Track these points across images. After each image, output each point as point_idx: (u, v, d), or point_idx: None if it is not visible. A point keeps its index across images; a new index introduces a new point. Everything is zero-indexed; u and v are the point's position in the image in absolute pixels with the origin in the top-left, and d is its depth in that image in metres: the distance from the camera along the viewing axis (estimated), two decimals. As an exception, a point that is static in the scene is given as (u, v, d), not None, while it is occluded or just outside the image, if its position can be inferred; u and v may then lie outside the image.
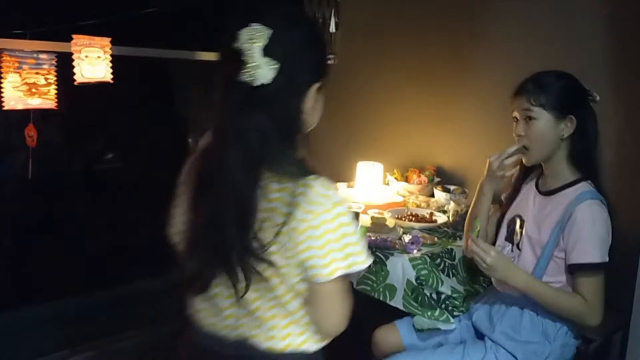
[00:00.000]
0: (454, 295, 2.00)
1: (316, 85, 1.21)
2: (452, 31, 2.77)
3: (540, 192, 1.84)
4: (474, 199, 1.97)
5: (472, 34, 2.70)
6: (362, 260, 1.17)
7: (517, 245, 1.84)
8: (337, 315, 1.22)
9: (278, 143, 1.14)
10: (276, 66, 1.11)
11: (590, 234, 1.65)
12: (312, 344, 1.25)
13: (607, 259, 1.66)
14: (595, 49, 2.26)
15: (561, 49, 2.35)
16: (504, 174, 1.86)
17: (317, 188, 1.13)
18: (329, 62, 1.30)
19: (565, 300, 1.68)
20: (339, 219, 1.13)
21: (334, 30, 3.22)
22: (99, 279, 2.83)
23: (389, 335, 2.00)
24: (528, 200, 1.87)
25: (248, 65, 1.10)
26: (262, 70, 1.10)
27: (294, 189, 1.12)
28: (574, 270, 1.68)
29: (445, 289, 2.00)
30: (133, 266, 2.85)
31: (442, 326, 1.91)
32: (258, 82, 1.11)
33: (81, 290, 2.73)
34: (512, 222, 1.88)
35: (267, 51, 1.10)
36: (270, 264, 1.15)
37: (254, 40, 1.10)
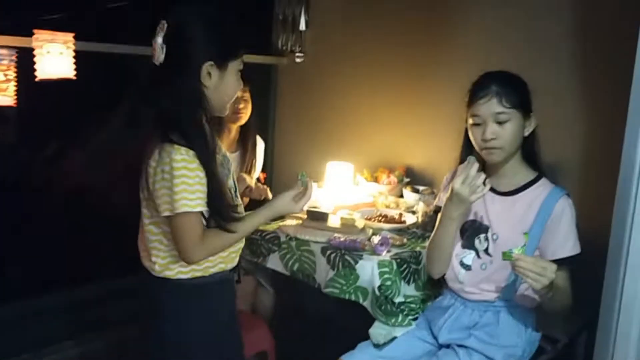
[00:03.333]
0: (408, 300, 1.99)
1: (208, 63, 1.49)
2: (422, 31, 2.78)
3: (499, 193, 1.83)
4: (438, 224, 1.83)
5: (441, 35, 2.71)
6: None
7: (486, 251, 1.82)
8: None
9: (177, 121, 1.48)
10: (164, 48, 1.48)
11: (572, 227, 1.73)
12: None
13: None
14: (563, 52, 2.29)
15: (529, 49, 2.37)
16: (480, 196, 1.69)
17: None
18: (232, 43, 1.56)
19: (564, 296, 1.70)
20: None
21: (303, 29, 3.20)
22: (57, 280, 2.76)
23: None
24: (482, 203, 1.82)
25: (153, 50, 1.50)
26: (157, 53, 1.48)
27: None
28: (561, 263, 1.68)
29: (399, 299, 1.97)
30: (93, 267, 2.79)
31: (399, 332, 1.90)
32: (157, 62, 1.49)
33: (39, 291, 2.65)
34: (464, 229, 1.86)
35: (164, 39, 1.48)
36: None
37: (157, 32, 1.49)
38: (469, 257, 1.85)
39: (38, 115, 2.59)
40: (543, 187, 1.78)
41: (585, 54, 2.22)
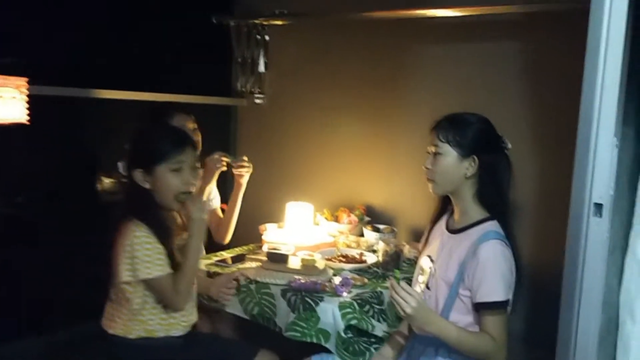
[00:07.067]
0: (386, 337, 1.99)
1: (137, 170, 1.81)
2: (380, 71, 2.84)
3: (449, 231, 1.86)
4: None
5: (400, 75, 2.78)
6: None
7: (427, 284, 1.83)
8: None
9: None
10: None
11: (494, 272, 1.68)
12: None
13: (510, 297, 1.70)
14: (515, 94, 2.36)
15: (483, 91, 2.45)
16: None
17: None
18: (153, 151, 1.82)
19: (476, 342, 1.67)
20: None
21: (263, 70, 3.23)
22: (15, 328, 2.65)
23: None
24: (438, 239, 1.87)
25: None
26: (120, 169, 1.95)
27: None
28: (479, 308, 1.69)
29: (378, 332, 2.00)
30: (47, 315, 2.69)
31: None
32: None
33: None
34: (424, 262, 1.88)
35: None
36: None
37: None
38: (419, 288, 1.85)
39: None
40: (482, 229, 1.75)
41: (535, 97, 2.30)
